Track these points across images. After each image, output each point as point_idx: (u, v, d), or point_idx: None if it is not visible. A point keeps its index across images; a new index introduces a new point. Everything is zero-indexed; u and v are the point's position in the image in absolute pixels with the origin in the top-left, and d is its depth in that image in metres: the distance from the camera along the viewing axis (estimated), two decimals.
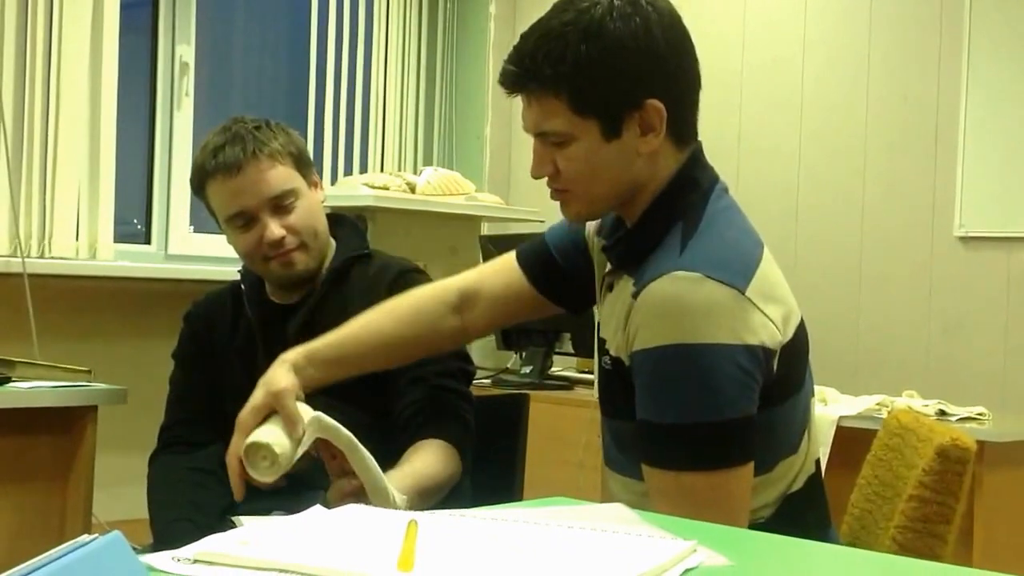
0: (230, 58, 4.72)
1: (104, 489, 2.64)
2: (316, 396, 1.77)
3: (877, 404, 2.90)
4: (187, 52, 4.16)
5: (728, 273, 1.45)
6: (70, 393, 2.40)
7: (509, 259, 1.83)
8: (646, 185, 1.57)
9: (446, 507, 1.44)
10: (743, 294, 1.45)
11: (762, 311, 1.46)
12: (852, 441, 2.57)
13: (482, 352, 3.84)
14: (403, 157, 4.81)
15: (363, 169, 4.65)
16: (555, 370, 3.89)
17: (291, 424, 1.61)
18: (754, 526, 1.49)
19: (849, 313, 4.01)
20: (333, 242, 2.08)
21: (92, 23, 3.66)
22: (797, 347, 1.52)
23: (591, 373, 3.65)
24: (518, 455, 2.18)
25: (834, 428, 2.77)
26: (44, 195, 3.57)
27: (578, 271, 1.75)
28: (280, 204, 1.96)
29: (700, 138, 1.62)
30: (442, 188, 3.84)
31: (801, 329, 1.55)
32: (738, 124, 4.31)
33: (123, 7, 3.76)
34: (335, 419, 1.63)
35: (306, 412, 1.63)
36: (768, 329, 1.46)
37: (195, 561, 1.02)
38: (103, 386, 2.45)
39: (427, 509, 1.56)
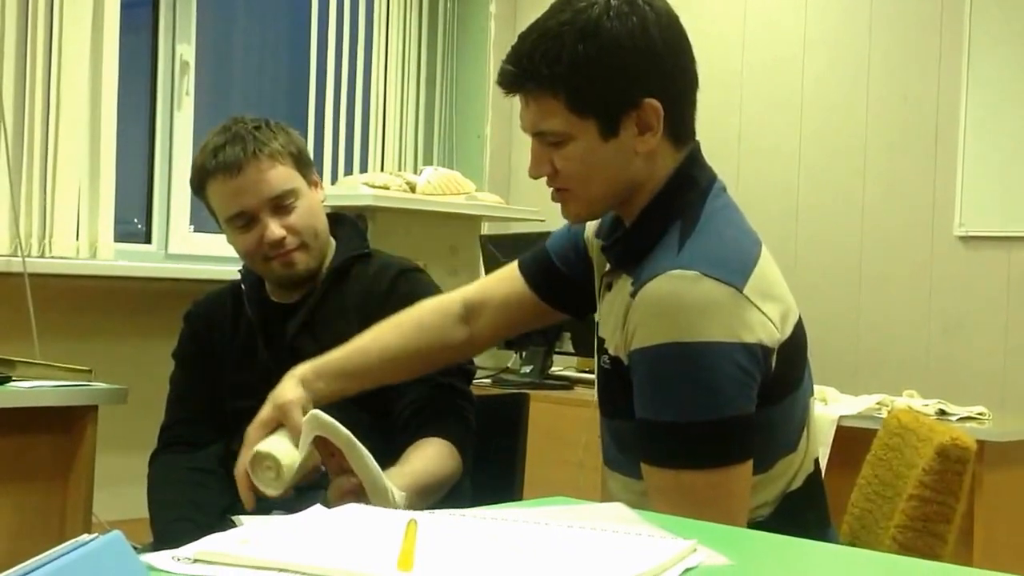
0: (230, 57, 4.72)
1: (104, 488, 2.64)
2: None
3: (877, 404, 2.90)
4: (187, 51, 4.16)
5: (726, 271, 1.45)
6: (70, 393, 2.40)
7: (512, 268, 1.84)
8: (644, 184, 1.57)
9: (446, 507, 1.44)
10: (741, 292, 1.45)
11: (760, 309, 1.46)
12: (852, 441, 2.57)
13: None
14: (403, 156, 4.81)
15: (363, 169, 4.65)
16: (555, 370, 3.89)
17: (297, 436, 1.62)
18: (753, 525, 1.49)
19: (849, 313, 4.01)
20: (333, 242, 2.08)
21: (92, 22, 3.66)
22: (795, 345, 1.52)
23: (591, 373, 3.65)
24: (518, 455, 2.18)
25: (834, 428, 2.77)
26: (44, 194, 3.57)
27: (579, 276, 1.75)
28: (280, 204, 1.96)
29: (700, 138, 1.62)
30: (442, 188, 3.84)
31: (799, 327, 1.55)
32: (738, 124, 4.31)
33: (123, 6, 3.76)
34: (334, 417, 1.63)
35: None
36: (766, 327, 1.46)
37: (195, 560, 1.02)
38: (103, 386, 2.45)
39: (427, 508, 1.56)
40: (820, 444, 2.41)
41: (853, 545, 1.75)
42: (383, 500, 1.55)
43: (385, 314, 1.96)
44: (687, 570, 1.04)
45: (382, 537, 1.10)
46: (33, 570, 0.76)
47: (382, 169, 4.65)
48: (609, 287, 1.63)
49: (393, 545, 1.03)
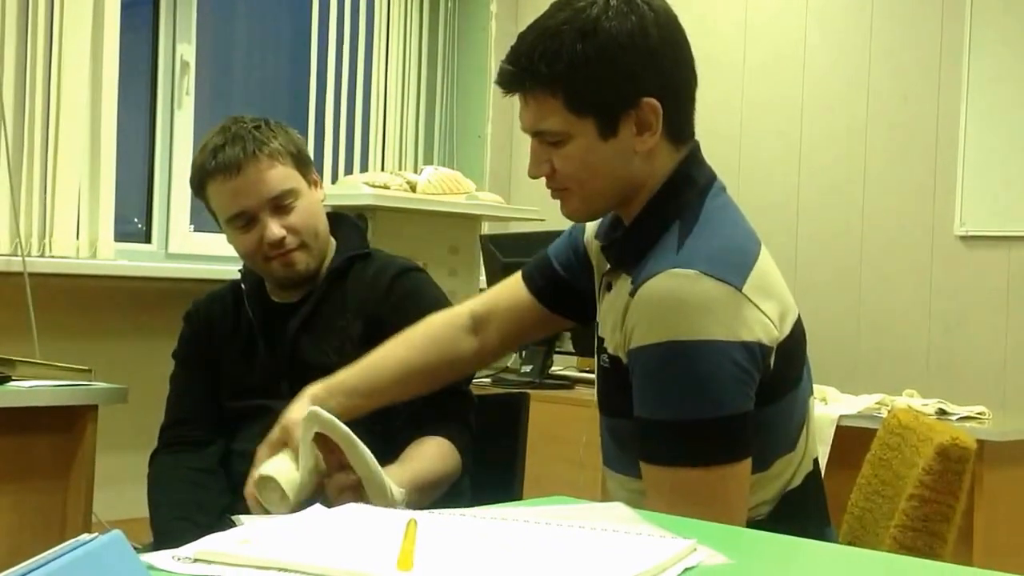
0: (231, 57, 4.72)
1: (104, 488, 2.64)
2: None
3: (877, 403, 2.90)
4: (188, 51, 4.16)
5: (725, 270, 1.46)
6: (70, 392, 2.40)
7: (516, 278, 1.85)
8: (643, 184, 1.57)
9: (445, 506, 1.44)
10: (740, 291, 1.45)
11: (759, 308, 1.46)
12: (852, 440, 2.57)
13: None
14: (404, 156, 4.80)
15: (363, 168, 4.65)
16: (555, 369, 3.88)
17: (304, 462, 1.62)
18: (752, 524, 1.49)
19: (849, 313, 4.01)
20: (333, 241, 2.08)
21: (93, 22, 3.66)
22: (794, 344, 1.52)
23: (591, 372, 3.64)
24: (518, 454, 2.18)
25: (834, 427, 2.77)
26: (45, 194, 3.57)
27: (581, 282, 1.75)
28: (280, 204, 1.96)
29: (700, 137, 1.62)
30: (443, 187, 3.84)
31: (798, 326, 1.55)
32: (738, 123, 4.31)
33: (124, 6, 3.75)
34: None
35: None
36: (765, 326, 1.46)
37: (195, 560, 1.02)
38: (103, 385, 2.45)
39: (426, 507, 1.56)
40: (820, 443, 2.42)
41: (853, 545, 1.75)
42: (382, 496, 1.55)
43: (385, 314, 1.97)
44: (687, 569, 1.04)
45: (382, 537, 1.11)
46: (33, 570, 0.76)
47: (382, 169, 4.65)
48: (609, 287, 1.63)
49: (393, 545, 1.03)
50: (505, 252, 3.60)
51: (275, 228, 1.95)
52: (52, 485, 2.41)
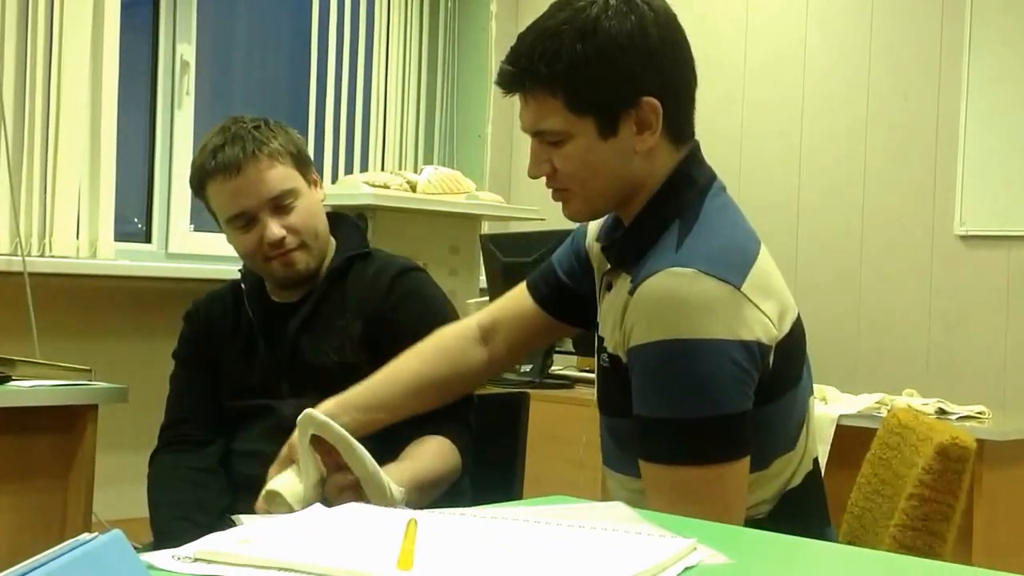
0: (231, 57, 4.72)
1: (104, 488, 2.64)
2: (318, 399, 1.78)
3: (877, 403, 2.90)
4: (188, 51, 4.16)
5: (724, 269, 1.46)
6: (71, 392, 2.40)
7: (521, 287, 1.86)
8: (644, 183, 1.57)
9: (446, 506, 1.44)
10: (739, 290, 1.45)
11: (758, 307, 1.46)
12: (852, 440, 2.57)
13: None
14: (404, 156, 4.81)
15: (364, 168, 4.65)
16: (555, 369, 3.88)
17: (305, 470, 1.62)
18: (752, 523, 1.49)
19: (849, 312, 4.01)
20: (333, 241, 2.08)
21: (93, 22, 3.66)
22: (793, 343, 1.53)
23: (591, 372, 3.64)
24: (518, 454, 2.18)
25: (834, 427, 2.77)
26: (45, 194, 3.57)
27: (584, 288, 1.75)
28: (280, 204, 1.96)
29: (700, 137, 1.62)
30: (443, 187, 3.84)
31: (797, 325, 1.55)
32: (739, 123, 4.31)
33: (124, 6, 3.75)
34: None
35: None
36: (764, 325, 1.46)
37: (195, 560, 1.02)
38: (104, 385, 2.46)
39: (426, 507, 1.56)
40: (820, 443, 2.42)
41: (852, 544, 1.75)
42: (380, 495, 1.55)
43: (385, 313, 1.97)
44: (687, 569, 1.04)
45: (382, 536, 1.11)
46: (33, 569, 0.76)
47: (382, 168, 4.65)
48: (609, 287, 1.63)
49: (393, 544, 1.03)
50: (505, 252, 3.60)
51: (275, 228, 1.95)
52: (52, 485, 2.41)
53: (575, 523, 1.17)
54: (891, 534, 1.55)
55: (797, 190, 4.17)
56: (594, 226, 1.75)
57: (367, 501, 1.51)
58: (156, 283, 3.82)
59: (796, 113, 4.18)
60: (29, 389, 2.35)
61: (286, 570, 0.99)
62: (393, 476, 1.63)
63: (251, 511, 1.66)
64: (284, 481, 1.64)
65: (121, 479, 2.88)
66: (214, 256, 4.02)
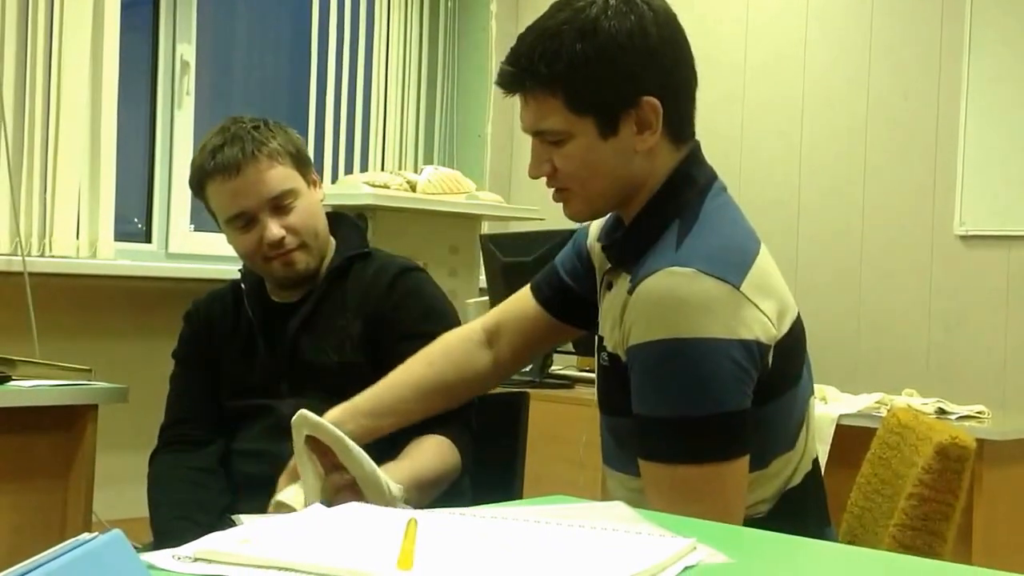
0: (231, 57, 4.72)
1: (105, 488, 2.64)
2: (318, 399, 1.78)
3: (877, 402, 2.90)
4: (188, 51, 4.16)
5: (723, 269, 1.46)
6: (71, 392, 2.40)
7: (525, 290, 1.86)
8: (644, 183, 1.57)
9: (446, 506, 1.44)
10: (738, 289, 1.45)
11: (757, 306, 1.46)
12: (852, 439, 2.57)
13: None
14: (404, 156, 4.81)
15: (364, 168, 4.65)
16: (555, 369, 3.89)
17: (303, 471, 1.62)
18: (752, 522, 1.49)
19: (849, 312, 4.01)
20: (333, 241, 2.08)
21: (93, 22, 3.66)
22: (792, 342, 1.53)
23: (591, 371, 3.65)
24: (518, 454, 2.18)
25: (834, 426, 2.77)
26: (45, 194, 3.57)
27: (588, 289, 1.75)
28: (280, 204, 1.96)
29: (701, 136, 1.62)
30: (443, 187, 3.84)
31: (797, 325, 1.55)
32: (739, 123, 4.31)
33: (124, 6, 3.76)
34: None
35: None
36: (762, 324, 1.47)
37: (196, 559, 1.02)
38: (104, 385, 2.46)
39: (426, 506, 1.56)
40: (819, 442, 2.42)
41: (852, 543, 1.75)
42: (378, 494, 1.55)
43: (385, 313, 1.97)
44: (686, 568, 1.04)
45: (382, 536, 1.11)
46: (33, 569, 0.76)
47: (382, 168, 4.65)
48: (609, 286, 1.63)
49: (393, 544, 1.03)
50: (505, 252, 3.60)
51: (275, 228, 1.95)
52: (52, 485, 2.41)
53: (575, 523, 1.17)
54: (891, 534, 1.55)
55: (797, 190, 4.17)
56: (595, 226, 1.75)
57: (365, 500, 1.51)
58: (156, 283, 3.82)
59: (796, 113, 4.18)
60: (29, 389, 2.35)
61: (286, 570, 0.99)
62: (392, 474, 1.63)
63: (251, 511, 1.66)
64: (292, 493, 1.64)
65: (121, 479, 2.88)
66: (214, 256, 4.02)
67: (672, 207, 1.56)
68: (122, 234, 3.91)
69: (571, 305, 1.79)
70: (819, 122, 4.14)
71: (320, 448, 1.61)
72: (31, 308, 3.31)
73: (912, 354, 3.85)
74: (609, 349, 1.57)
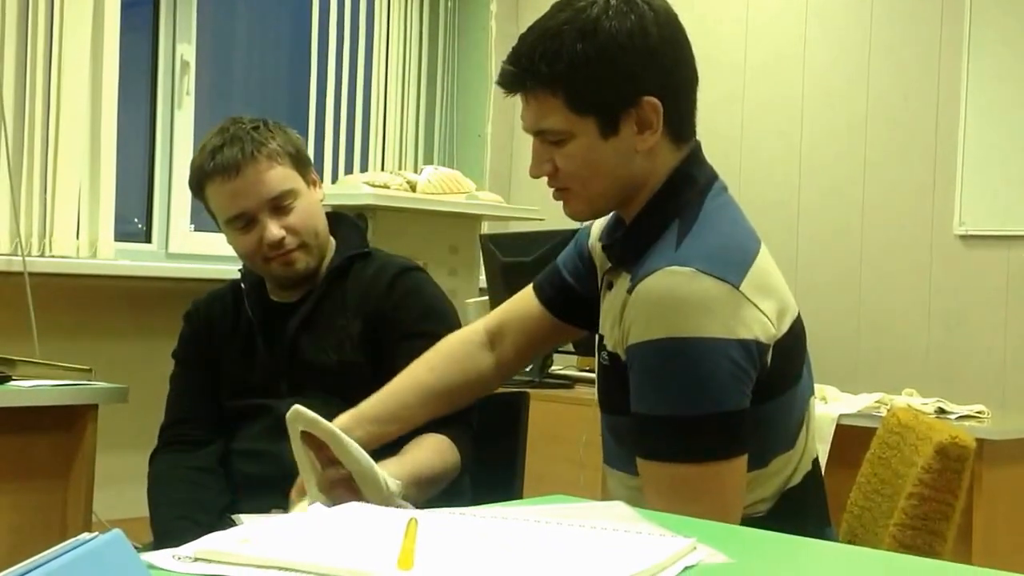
0: (231, 57, 4.72)
1: (105, 487, 2.64)
2: (318, 399, 1.78)
3: (876, 402, 2.90)
4: (188, 51, 4.16)
5: (723, 268, 1.46)
6: (71, 391, 2.40)
7: (527, 290, 1.86)
8: (645, 182, 1.57)
9: (446, 505, 1.44)
10: (737, 289, 1.46)
11: (756, 306, 1.47)
12: (851, 439, 2.57)
13: None
14: (404, 156, 4.81)
15: (363, 168, 4.65)
16: (555, 368, 3.88)
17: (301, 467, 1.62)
18: (751, 521, 1.49)
19: (849, 312, 4.01)
20: (333, 241, 2.08)
21: (93, 22, 3.66)
22: (792, 342, 1.53)
23: (591, 371, 3.65)
24: (518, 453, 2.18)
25: (834, 426, 2.77)
26: (45, 193, 3.57)
27: (590, 289, 1.75)
28: (279, 204, 1.96)
29: (701, 136, 1.63)
30: (442, 187, 3.84)
31: (797, 324, 1.55)
32: (739, 123, 4.31)
33: (124, 6, 3.75)
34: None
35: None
36: (762, 324, 1.47)
37: (196, 559, 1.02)
38: (104, 385, 2.46)
39: (426, 506, 1.56)
40: (819, 442, 2.42)
41: (852, 543, 1.75)
42: (376, 489, 1.54)
43: (385, 312, 1.97)
44: (686, 568, 1.04)
45: (382, 536, 1.11)
46: (33, 569, 0.76)
47: (382, 168, 4.65)
48: (610, 286, 1.63)
49: (393, 544, 1.03)
50: (505, 252, 3.60)
51: (274, 229, 1.95)
52: (52, 485, 2.41)
53: (575, 523, 1.17)
54: (891, 533, 1.55)
55: (797, 189, 4.17)
56: (597, 226, 1.75)
57: (362, 495, 1.50)
58: (156, 283, 3.82)
59: (796, 113, 4.18)
60: (29, 389, 2.36)
61: (286, 570, 0.99)
62: (390, 470, 1.63)
63: (251, 510, 1.66)
64: (304, 506, 1.64)
65: (121, 479, 2.88)
66: (214, 256, 4.02)
67: (672, 207, 1.56)
68: (122, 234, 3.91)
69: (573, 305, 1.79)
70: (819, 122, 4.14)
71: (316, 443, 1.60)
72: (31, 308, 3.31)
73: (912, 354, 3.85)
74: (609, 348, 1.57)
